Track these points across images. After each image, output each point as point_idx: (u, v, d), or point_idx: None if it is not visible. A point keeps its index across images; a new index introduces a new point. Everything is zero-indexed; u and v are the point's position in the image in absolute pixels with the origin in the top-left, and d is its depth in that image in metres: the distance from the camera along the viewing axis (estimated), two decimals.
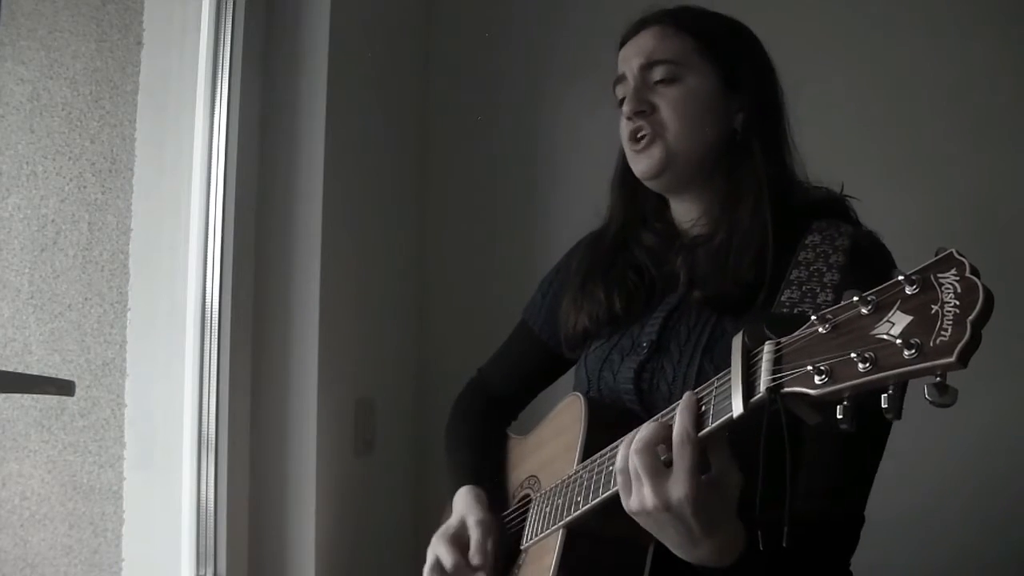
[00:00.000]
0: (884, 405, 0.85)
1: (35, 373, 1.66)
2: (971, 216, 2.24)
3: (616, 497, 1.19)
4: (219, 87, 2.05)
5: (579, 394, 1.46)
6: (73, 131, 1.76)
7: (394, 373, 2.48)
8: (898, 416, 0.85)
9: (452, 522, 1.56)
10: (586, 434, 1.37)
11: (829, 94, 2.27)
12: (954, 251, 0.83)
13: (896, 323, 0.84)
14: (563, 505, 1.33)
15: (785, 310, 1.21)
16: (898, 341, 0.83)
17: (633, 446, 1.11)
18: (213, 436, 2.00)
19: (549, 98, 2.60)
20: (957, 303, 0.80)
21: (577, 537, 1.32)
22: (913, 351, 0.81)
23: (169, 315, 1.99)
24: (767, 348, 0.99)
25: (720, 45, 1.48)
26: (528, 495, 1.52)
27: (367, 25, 2.33)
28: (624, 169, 1.56)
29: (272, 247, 2.12)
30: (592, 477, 1.28)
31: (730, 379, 1.03)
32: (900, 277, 0.85)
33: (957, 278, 0.81)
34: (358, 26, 2.26)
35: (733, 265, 1.39)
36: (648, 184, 1.50)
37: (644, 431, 1.12)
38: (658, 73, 1.46)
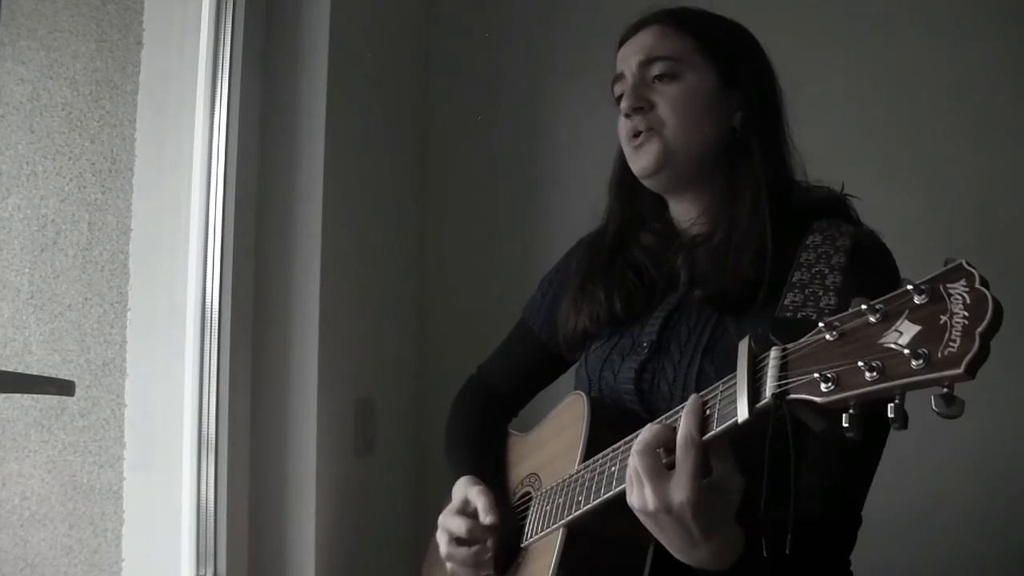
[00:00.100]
0: (891, 415, 0.85)
1: (35, 373, 1.66)
2: (971, 216, 2.24)
3: (617, 498, 1.19)
4: (219, 87, 2.04)
5: (581, 393, 1.47)
6: (73, 131, 1.76)
7: (394, 373, 2.48)
8: (904, 425, 0.85)
9: (456, 501, 1.57)
10: (588, 433, 1.38)
11: (829, 94, 2.27)
12: (964, 262, 0.83)
13: (904, 333, 0.84)
14: (564, 504, 1.34)
15: (788, 314, 1.21)
16: (906, 351, 0.83)
17: (634, 447, 1.12)
18: (213, 436, 1.99)
19: (549, 98, 2.60)
20: (966, 314, 0.80)
21: (577, 536, 1.32)
22: (921, 361, 0.81)
23: (169, 315, 1.99)
24: (773, 354, 0.99)
25: (719, 44, 1.48)
26: (529, 493, 1.52)
27: (367, 25, 2.32)
28: (622, 169, 1.56)
29: (272, 247, 2.12)
30: (594, 477, 1.28)
31: (735, 383, 1.03)
32: (909, 287, 0.85)
33: (967, 289, 0.81)
34: (358, 26, 2.25)
35: (733, 263, 1.39)
36: (646, 182, 1.50)
37: (646, 433, 1.13)
38: (657, 69, 1.46)
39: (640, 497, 1.10)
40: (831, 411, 0.91)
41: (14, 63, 1.65)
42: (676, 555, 1.14)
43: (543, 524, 1.39)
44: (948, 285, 0.83)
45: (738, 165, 1.45)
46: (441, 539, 1.56)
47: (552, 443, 1.50)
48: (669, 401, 1.37)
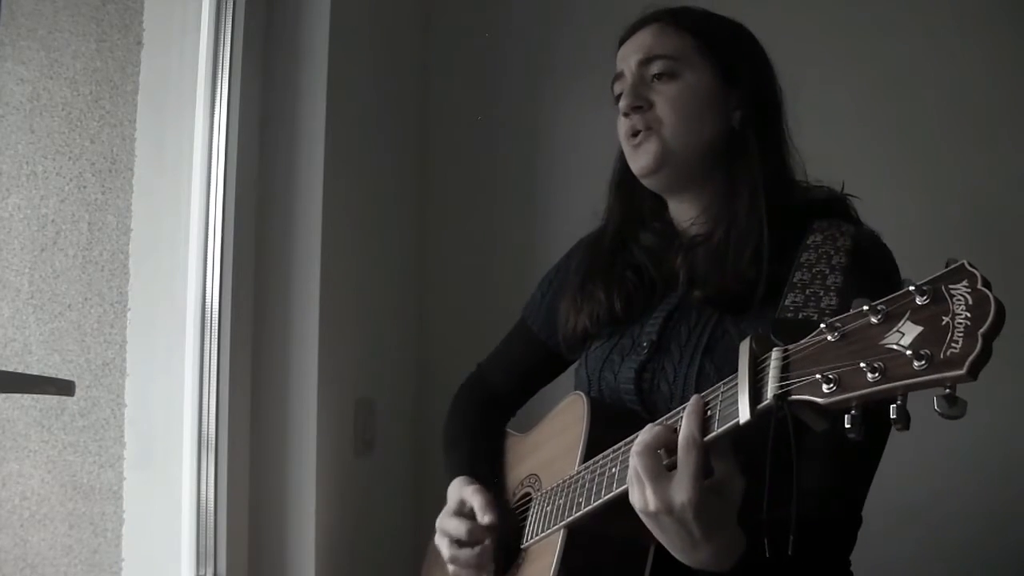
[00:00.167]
0: (893, 416, 0.85)
1: (35, 373, 1.66)
2: (971, 216, 2.24)
3: (617, 499, 1.19)
4: (219, 87, 2.04)
5: (581, 393, 1.47)
6: (73, 131, 1.76)
7: (394, 373, 2.48)
8: (906, 426, 0.85)
9: (451, 504, 1.58)
10: (588, 434, 1.38)
11: (829, 94, 2.27)
12: (966, 262, 0.83)
13: (906, 333, 0.84)
14: (564, 505, 1.34)
15: (789, 315, 1.21)
16: (908, 352, 0.83)
17: (634, 449, 1.12)
18: (213, 436, 1.99)
19: (549, 98, 2.60)
20: (968, 315, 0.80)
21: (578, 537, 1.32)
22: (923, 362, 0.81)
23: (169, 315, 1.99)
24: (775, 355, 0.99)
25: (719, 44, 1.48)
26: (528, 493, 1.52)
27: (367, 25, 2.32)
28: (622, 170, 1.56)
29: (272, 247, 2.12)
30: (594, 479, 1.28)
31: (736, 384, 1.03)
32: (911, 287, 0.85)
33: (968, 290, 0.81)
34: (358, 26, 2.25)
35: (732, 263, 1.39)
36: (645, 182, 1.50)
37: (645, 434, 1.13)
38: (656, 68, 1.46)
39: (641, 497, 1.10)
40: (833, 412, 0.91)
41: (14, 63, 1.65)
42: (677, 556, 1.14)
43: (543, 525, 1.39)
44: (950, 286, 0.83)
45: (737, 164, 1.45)
46: (441, 543, 1.56)
47: (552, 443, 1.50)
48: (669, 401, 1.37)
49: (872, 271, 1.31)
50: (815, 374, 0.92)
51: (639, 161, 1.47)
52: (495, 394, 1.80)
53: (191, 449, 1.98)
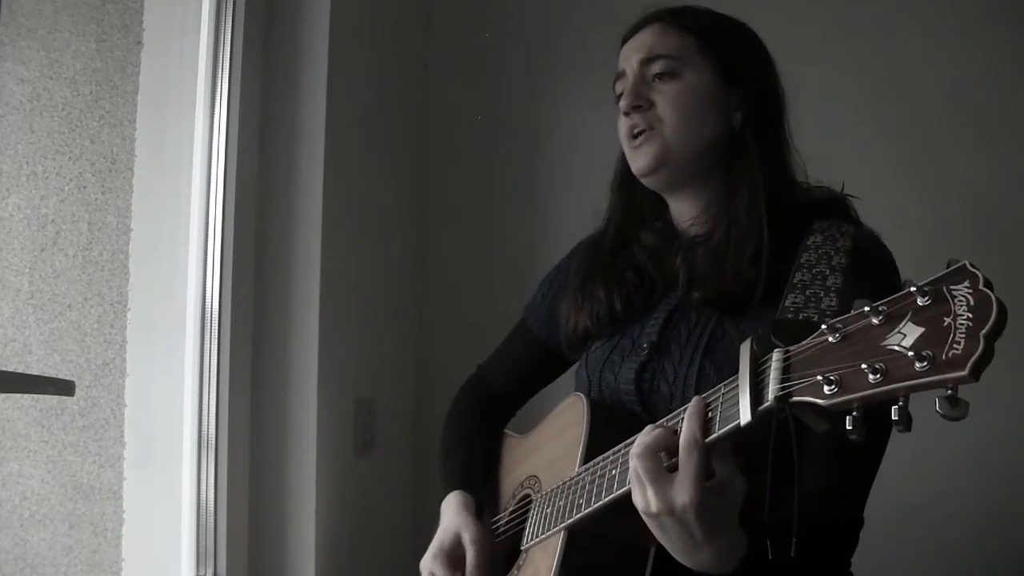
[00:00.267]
0: (894, 417, 0.85)
1: (35, 373, 1.66)
2: (971, 216, 2.24)
3: (618, 501, 1.19)
4: (219, 87, 2.04)
5: (581, 395, 1.46)
6: (73, 131, 1.76)
7: (394, 373, 2.48)
8: (908, 428, 0.85)
9: (446, 539, 1.56)
10: (588, 435, 1.37)
11: (829, 94, 2.27)
12: (967, 263, 0.83)
13: (908, 334, 0.84)
14: (564, 507, 1.33)
15: (790, 315, 1.21)
16: (910, 353, 0.83)
17: (633, 450, 1.12)
18: (213, 436, 1.99)
19: (549, 98, 2.60)
20: (970, 316, 0.80)
21: (578, 539, 1.32)
22: (925, 363, 0.81)
23: (169, 315, 1.99)
24: (776, 356, 0.99)
25: (721, 43, 1.48)
26: (528, 495, 1.51)
27: (367, 25, 2.32)
28: (623, 169, 1.56)
29: (272, 247, 2.12)
30: (594, 480, 1.27)
31: (738, 386, 1.03)
32: (912, 288, 0.85)
33: (970, 290, 0.81)
34: (358, 26, 2.25)
35: (732, 263, 1.38)
36: (645, 181, 1.50)
37: (645, 436, 1.12)
38: (657, 67, 1.46)
39: (643, 498, 1.10)
40: (834, 413, 0.91)
41: (14, 63, 1.65)
42: (679, 558, 1.13)
43: (544, 527, 1.39)
44: (951, 287, 0.82)
45: (737, 164, 1.44)
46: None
47: (552, 445, 1.50)
48: (669, 402, 1.36)
49: (872, 271, 1.31)
50: (816, 375, 0.91)
51: (638, 161, 1.47)
52: (495, 395, 1.80)
53: (191, 449, 1.99)
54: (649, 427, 1.14)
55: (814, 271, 1.26)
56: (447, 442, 1.76)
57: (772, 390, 0.96)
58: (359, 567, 2.22)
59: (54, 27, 1.73)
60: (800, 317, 1.18)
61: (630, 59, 1.49)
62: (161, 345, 1.97)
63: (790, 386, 0.94)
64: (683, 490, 1.06)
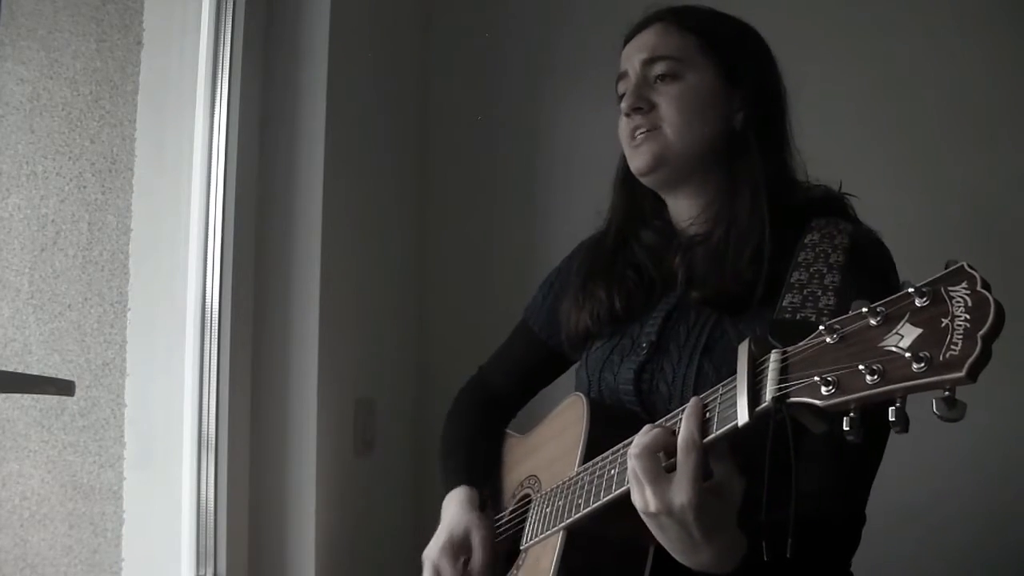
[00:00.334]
0: (892, 418, 0.85)
1: (35, 373, 1.66)
2: (971, 216, 2.24)
3: (617, 501, 1.19)
4: (219, 87, 2.04)
5: (581, 395, 1.47)
6: (73, 131, 1.76)
7: (394, 373, 2.48)
8: (905, 429, 0.85)
9: (455, 534, 1.55)
10: (588, 435, 1.37)
11: (829, 94, 2.26)
12: (965, 264, 0.83)
13: (905, 335, 0.84)
14: (564, 507, 1.33)
15: (788, 315, 1.21)
16: (907, 354, 0.83)
17: (631, 450, 1.12)
18: (213, 436, 1.99)
19: (549, 98, 2.60)
20: (968, 317, 0.80)
21: (577, 539, 1.32)
22: (922, 364, 0.81)
23: (169, 315, 1.99)
24: (774, 357, 0.99)
25: (723, 44, 1.48)
26: (528, 495, 1.51)
27: (367, 25, 2.32)
28: (625, 168, 1.56)
29: (272, 247, 2.12)
30: (593, 480, 1.28)
31: (736, 386, 1.03)
32: (910, 289, 0.85)
33: (968, 291, 0.81)
34: (358, 26, 2.25)
35: (731, 263, 1.39)
36: (643, 180, 1.50)
37: (643, 436, 1.12)
38: (659, 68, 1.46)
39: (641, 498, 1.10)
40: (831, 414, 0.91)
41: (14, 63, 1.65)
42: (678, 558, 1.13)
43: (543, 527, 1.39)
44: (950, 288, 0.82)
45: (738, 165, 1.44)
46: (428, 570, 1.56)
47: (551, 445, 1.50)
48: (668, 402, 1.37)
49: (870, 269, 1.31)
50: (814, 376, 0.91)
51: (637, 160, 1.47)
52: (496, 395, 1.80)
53: (191, 449, 1.99)
54: (647, 427, 1.14)
55: (811, 270, 1.26)
56: (448, 442, 1.76)
57: (770, 391, 0.96)
58: (359, 567, 2.22)
59: (54, 27, 1.73)
60: (798, 317, 1.18)
61: (632, 60, 1.49)
62: (161, 345, 1.97)
63: (788, 387, 0.94)
64: (681, 490, 1.06)
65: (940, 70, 2.29)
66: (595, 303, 1.54)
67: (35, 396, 1.65)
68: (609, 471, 1.24)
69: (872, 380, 0.85)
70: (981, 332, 0.78)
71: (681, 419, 1.09)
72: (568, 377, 1.68)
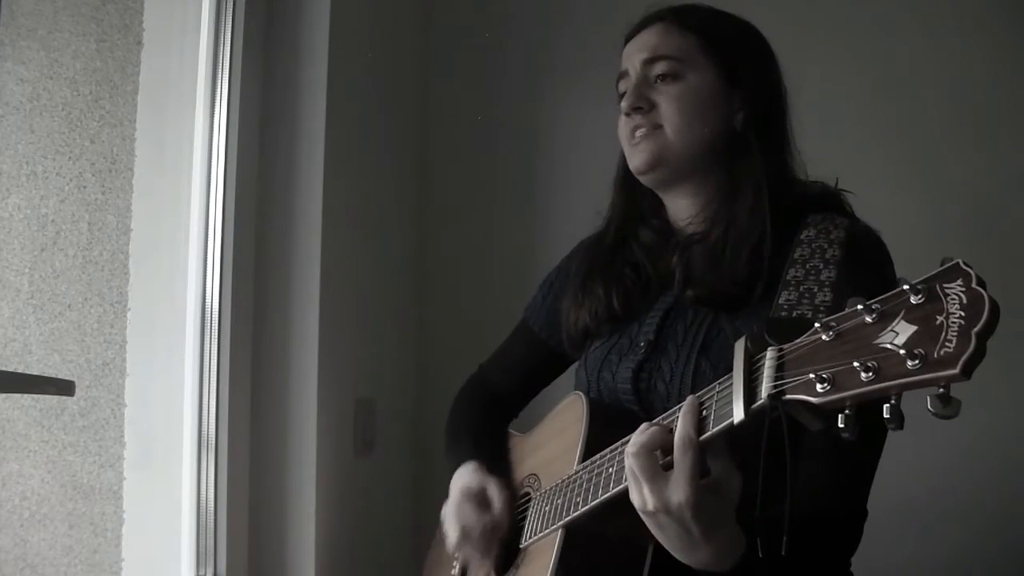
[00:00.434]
0: (886, 415, 0.85)
1: (35, 373, 1.66)
2: (971, 216, 2.24)
3: (615, 499, 1.19)
4: (219, 87, 2.04)
5: (580, 394, 1.47)
6: (73, 131, 1.76)
7: (394, 373, 2.48)
8: (900, 426, 0.85)
9: (472, 488, 1.56)
10: (587, 434, 1.38)
11: (829, 94, 2.26)
12: (960, 261, 0.83)
13: (900, 333, 0.84)
14: (563, 505, 1.34)
15: (784, 313, 1.21)
16: (902, 351, 0.83)
17: (628, 449, 1.12)
18: (213, 436, 1.99)
19: (549, 98, 2.60)
20: (962, 314, 0.79)
21: (576, 537, 1.32)
22: (917, 362, 0.81)
23: (169, 315, 1.99)
24: (769, 354, 0.99)
25: (724, 44, 1.48)
26: (528, 494, 1.52)
27: (367, 25, 2.32)
28: (625, 168, 1.56)
29: (272, 247, 2.12)
30: (591, 478, 1.28)
31: (732, 384, 1.03)
32: (905, 286, 0.85)
33: (963, 289, 0.81)
34: (358, 26, 2.25)
35: (729, 263, 1.39)
36: (642, 179, 1.50)
37: (640, 435, 1.13)
38: (659, 68, 1.46)
39: (639, 496, 1.10)
40: (827, 411, 0.91)
41: (14, 63, 1.66)
42: (678, 556, 1.14)
43: (542, 525, 1.39)
44: (945, 285, 0.82)
45: (739, 165, 1.45)
46: (451, 528, 1.55)
47: (551, 444, 1.50)
48: (666, 400, 1.37)
49: (866, 263, 1.31)
50: (809, 374, 0.92)
51: (636, 158, 1.47)
52: (497, 393, 1.80)
53: (191, 449, 1.99)
54: (644, 425, 1.14)
55: (808, 266, 1.26)
56: (454, 429, 1.77)
57: (765, 388, 0.96)
58: (359, 567, 2.22)
59: (54, 27, 1.73)
60: (794, 314, 1.19)
61: (633, 59, 1.49)
62: (161, 345, 1.97)
63: (783, 384, 0.95)
64: (678, 488, 1.06)
65: (940, 70, 2.29)
66: (594, 301, 1.54)
67: (35, 396, 1.65)
68: (607, 469, 1.24)
69: (867, 377, 0.85)
70: (976, 329, 0.78)
71: (678, 417, 1.09)
72: (568, 376, 1.69)
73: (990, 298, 0.79)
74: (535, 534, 1.41)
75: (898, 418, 0.85)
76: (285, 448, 2.08)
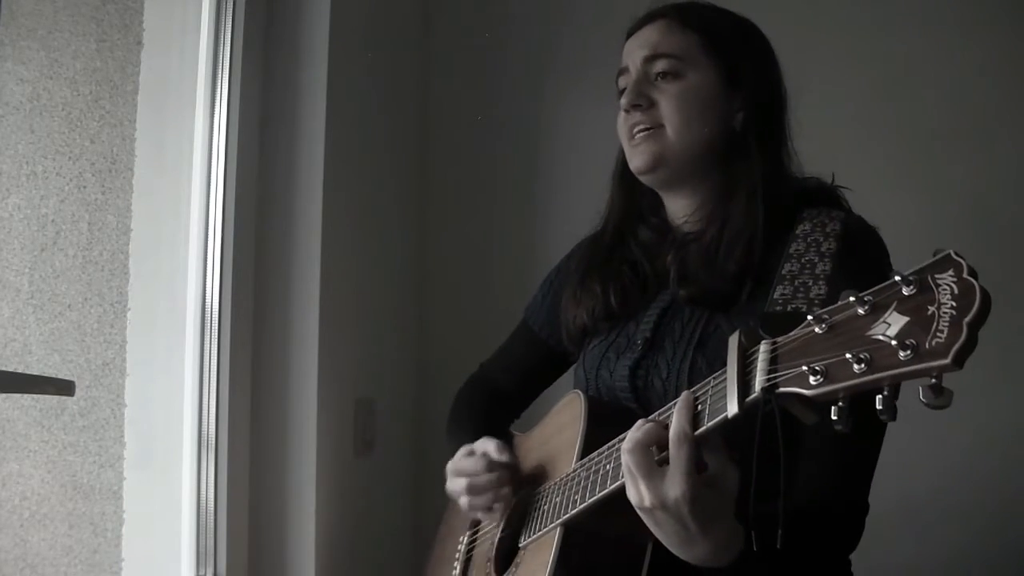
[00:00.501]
0: (879, 407, 0.85)
1: (35, 373, 1.66)
2: (971, 216, 2.24)
3: (613, 496, 1.19)
4: (219, 87, 2.05)
5: (579, 392, 1.47)
6: (73, 131, 1.76)
7: (394, 373, 2.48)
8: (892, 418, 0.85)
9: (472, 446, 1.57)
10: (585, 432, 1.38)
11: (829, 94, 2.26)
12: (952, 252, 0.83)
13: (892, 324, 0.84)
14: (561, 503, 1.34)
15: (779, 307, 1.21)
16: (894, 342, 0.82)
17: (624, 445, 1.12)
18: (213, 436, 1.99)
19: (550, 98, 2.60)
20: (954, 304, 0.79)
21: (575, 535, 1.32)
22: (909, 352, 0.81)
23: (169, 315, 1.99)
24: (763, 347, 0.99)
25: (725, 43, 1.48)
26: (528, 492, 1.52)
27: (367, 25, 2.33)
28: (624, 164, 1.56)
29: (272, 247, 2.12)
30: (589, 476, 1.28)
31: (726, 378, 1.03)
32: (897, 278, 0.85)
33: (954, 279, 0.80)
34: (358, 26, 2.26)
35: (722, 262, 1.39)
36: (642, 179, 1.50)
37: (635, 431, 1.13)
38: (660, 66, 1.46)
39: (636, 492, 1.10)
40: (821, 404, 0.91)
41: (14, 63, 1.66)
42: (676, 552, 1.13)
43: (541, 523, 1.39)
44: (936, 276, 0.82)
45: (735, 165, 1.45)
46: (455, 483, 1.56)
47: (550, 443, 1.50)
48: (663, 397, 1.36)
49: (861, 257, 1.31)
50: (802, 366, 0.91)
51: (637, 159, 1.47)
52: (497, 392, 1.81)
53: (191, 449, 1.99)
54: (640, 422, 1.14)
55: (803, 260, 1.26)
56: (456, 420, 1.78)
57: (759, 381, 0.96)
58: (359, 567, 2.22)
59: (54, 27, 1.73)
60: (789, 308, 1.19)
61: (633, 56, 1.49)
62: (161, 345, 1.97)
63: (776, 377, 0.94)
64: (675, 483, 1.06)
65: (940, 70, 2.29)
66: (592, 299, 1.55)
67: (35, 396, 1.66)
68: (604, 467, 1.24)
69: (859, 369, 0.85)
70: (967, 319, 0.78)
71: (673, 413, 1.09)
72: (567, 375, 1.69)
73: (981, 288, 0.79)
74: (534, 532, 1.41)
75: (891, 409, 0.85)
76: (285, 448, 2.09)
